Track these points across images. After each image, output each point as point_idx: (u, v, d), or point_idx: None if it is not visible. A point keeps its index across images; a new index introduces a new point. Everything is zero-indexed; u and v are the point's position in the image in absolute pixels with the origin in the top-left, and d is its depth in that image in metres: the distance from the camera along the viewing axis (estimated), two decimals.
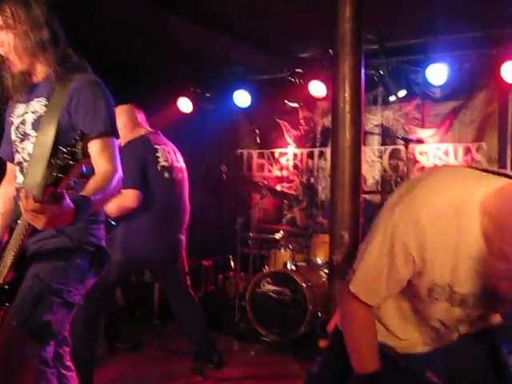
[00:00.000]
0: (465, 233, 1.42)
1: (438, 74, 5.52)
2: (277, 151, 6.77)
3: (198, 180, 6.97)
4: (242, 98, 6.49)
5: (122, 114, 3.62)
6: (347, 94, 3.75)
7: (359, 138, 3.85)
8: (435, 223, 1.43)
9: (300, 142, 6.64)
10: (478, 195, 1.40)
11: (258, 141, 6.12)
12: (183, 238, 4.07)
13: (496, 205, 1.37)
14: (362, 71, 3.83)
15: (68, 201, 1.79)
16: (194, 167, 6.84)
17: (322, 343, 2.89)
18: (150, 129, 3.96)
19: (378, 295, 1.61)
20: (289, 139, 6.72)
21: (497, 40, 5.27)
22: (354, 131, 3.78)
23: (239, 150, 6.67)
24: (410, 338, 1.78)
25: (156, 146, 3.81)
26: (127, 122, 3.81)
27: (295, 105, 6.41)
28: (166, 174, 3.83)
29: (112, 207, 3.44)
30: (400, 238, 1.48)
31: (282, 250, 5.42)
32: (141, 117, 3.98)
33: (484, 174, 1.46)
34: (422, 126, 6.00)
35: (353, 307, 1.66)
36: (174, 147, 4.07)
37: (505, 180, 1.40)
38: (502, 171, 1.46)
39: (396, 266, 1.51)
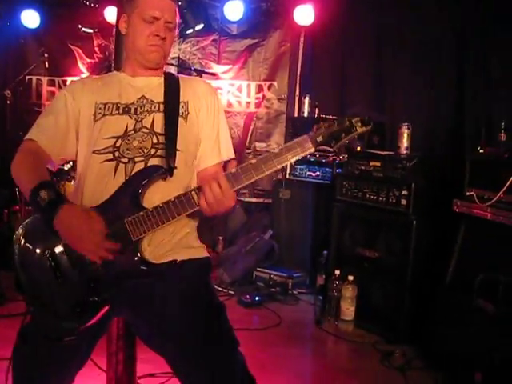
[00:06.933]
0: None
1: (234, 10, 5.60)
2: (69, 79, 6.37)
3: None
4: (30, 18, 6.00)
5: None
6: None
7: None
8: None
9: (94, 71, 6.31)
10: None
11: (47, 66, 5.72)
12: None
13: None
14: None
15: None
16: None
17: None
18: None
19: (42, 128, 1.97)
20: (82, 67, 6.39)
21: None
22: None
23: (27, 76, 6.18)
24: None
25: None
26: None
27: (90, 30, 6.10)
28: None
29: None
30: (61, 94, 2.03)
31: (72, 182, 5.21)
32: None
33: None
34: (218, 62, 6.08)
35: (21, 147, 1.94)
36: None
37: None
38: None
39: (49, 114, 1.99)
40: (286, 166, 5.20)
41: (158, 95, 1.99)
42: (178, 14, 2.00)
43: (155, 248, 1.82)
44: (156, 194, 1.81)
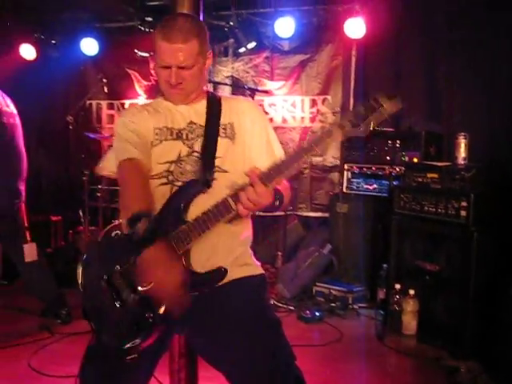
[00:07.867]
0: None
1: (286, 27, 5.63)
2: (127, 102, 6.57)
3: (44, 131, 6.66)
4: (89, 46, 6.22)
5: None
6: None
7: None
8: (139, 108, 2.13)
9: (151, 93, 6.47)
10: None
11: (106, 90, 5.93)
12: (22, 188, 3.90)
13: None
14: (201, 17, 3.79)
15: None
16: (38, 118, 6.51)
17: None
18: None
19: (127, 149, 1.98)
20: (139, 90, 6.56)
21: None
22: None
23: (88, 101, 6.41)
24: None
25: None
26: None
27: (146, 54, 6.24)
28: None
29: None
30: (120, 121, 2.09)
31: None
32: None
33: None
34: (271, 79, 6.13)
35: (121, 168, 1.97)
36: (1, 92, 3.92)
37: None
38: None
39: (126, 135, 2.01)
40: (342, 181, 5.20)
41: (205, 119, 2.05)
42: (196, 49, 1.92)
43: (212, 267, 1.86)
44: (198, 208, 1.84)
